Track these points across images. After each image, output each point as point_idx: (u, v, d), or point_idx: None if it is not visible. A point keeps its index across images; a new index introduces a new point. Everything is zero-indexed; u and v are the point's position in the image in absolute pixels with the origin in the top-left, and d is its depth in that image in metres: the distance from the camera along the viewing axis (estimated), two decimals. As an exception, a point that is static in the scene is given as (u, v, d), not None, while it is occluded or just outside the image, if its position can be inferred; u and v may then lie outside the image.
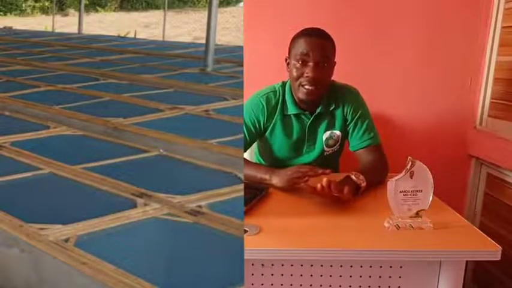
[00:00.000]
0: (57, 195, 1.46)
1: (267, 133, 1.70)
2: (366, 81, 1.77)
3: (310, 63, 1.53)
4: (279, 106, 1.66)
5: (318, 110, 1.64)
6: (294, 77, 1.58)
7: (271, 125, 1.67)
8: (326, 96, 1.65)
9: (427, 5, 2.09)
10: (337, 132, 1.67)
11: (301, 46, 1.54)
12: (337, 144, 1.70)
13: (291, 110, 1.65)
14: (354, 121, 1.65)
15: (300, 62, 1.54)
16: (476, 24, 2.09)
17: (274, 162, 1.73)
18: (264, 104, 1.65)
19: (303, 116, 1.66)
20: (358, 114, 1.65)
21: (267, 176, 1.49)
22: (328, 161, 1.72)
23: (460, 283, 1.14)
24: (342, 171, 1.70)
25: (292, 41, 1.60)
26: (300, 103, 1.64)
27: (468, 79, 2.14)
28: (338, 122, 1.67)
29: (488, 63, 2.08)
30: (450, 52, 2.12)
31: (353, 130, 1.65)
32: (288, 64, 1.62)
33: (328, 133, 1.67)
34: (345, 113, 1.66)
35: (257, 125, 1.67)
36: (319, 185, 1.28)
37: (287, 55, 1.63)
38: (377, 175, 1.52)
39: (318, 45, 1.53)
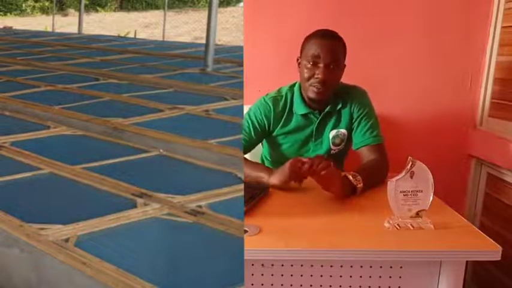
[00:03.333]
0: (57, 195, 1.46)
1: (276, 133, 1.71)
2: (366, 81, 1.77)
3: (321, 65, 1.56)
4: (287, 107, 1.68)
5: (327, 109, 1.67)
6: (304, 78, 1.60)
7: (280, 125, 1.69)
8: (334, 96, 1.67)
9: (427, 5, 2.09)
10: (343, 131, 1.69)
11: (313, 48, 1.57)
12: (343, 143, 1.72)
13: (300, 109, 1.67)
14: (358, 119, 1.67)
15: (311, 63, 1.57)
16: (476, 24, 2.09)
17: (283, 162, 1.73)
18: (271, 106, 1.68)
19: (311, 116, 1.68)
20: (363, 113, 1.67)
21: (264, 175, 1.47)
22: (334, 161, 1.72)
23: (460, 283, 1.13)
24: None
25: (304, 42, 1.62)
26: (309, 102, 1.67)
27: (468, 79, 2.14)
28: (344, 121, 1.69)
29: (488, 63, 2.08)
30: (450, 52, 2.12)
31: (357, 128, 1.67)
32: (299, 64, 1.64)
33: (334, 131, 1.69)
34: (351, 112, 1.68)
35: (262, 122, 1.68)
36: (306, 165, 1.31)
37: (298, 55, 1.65)
38: (377, 174, 1.53)
39: (328, 48, 1.56)
